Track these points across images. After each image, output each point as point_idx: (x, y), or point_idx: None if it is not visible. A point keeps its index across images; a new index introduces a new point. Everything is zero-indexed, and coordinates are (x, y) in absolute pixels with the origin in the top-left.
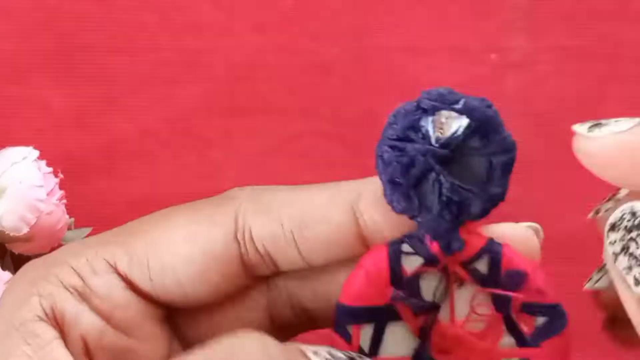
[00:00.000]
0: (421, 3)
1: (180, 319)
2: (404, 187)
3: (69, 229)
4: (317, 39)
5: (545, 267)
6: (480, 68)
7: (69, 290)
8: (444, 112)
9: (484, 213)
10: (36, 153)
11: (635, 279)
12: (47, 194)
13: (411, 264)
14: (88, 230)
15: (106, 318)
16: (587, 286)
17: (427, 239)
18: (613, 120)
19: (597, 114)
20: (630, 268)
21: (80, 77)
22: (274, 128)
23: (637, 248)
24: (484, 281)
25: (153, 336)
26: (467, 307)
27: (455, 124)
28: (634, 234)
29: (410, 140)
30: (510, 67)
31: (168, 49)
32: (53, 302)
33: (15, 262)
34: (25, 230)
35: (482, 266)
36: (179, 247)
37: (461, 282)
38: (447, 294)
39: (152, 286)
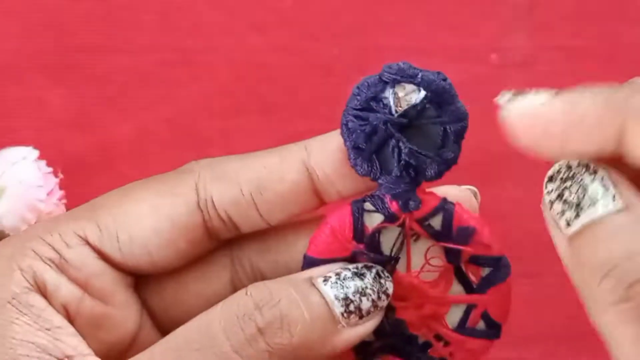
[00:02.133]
0: (421, 3)
1: (148, 291)
2: (367, 153)
3: None
4: (317, 39)
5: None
6: (480, 68)
7: (47, 263)
8: (404, 85)
9: (438, 175)
10: (36, 153)
11: (567, 221)
12: (47, 194)
13: (372, 220)
14: None
15: (83, 287)
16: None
17: (387, 199)
18: (533, 91)
19: None
20: (562, 212)
21: (80, 77)
22: (274, 128)
23: (570, 195)
24: (437, 236)
25: (126, 303)
26: (422, 260)
27: (414, 95)
28: (568, 184)
29: (373, 110)
30: (510, 67)
31: (168, 49)
32: (34, 275)
33: None
34: None
35: (436, 222)
36: (145, 219)
37: (417, 237)
38: (404, 247)
39: (122, 256)
